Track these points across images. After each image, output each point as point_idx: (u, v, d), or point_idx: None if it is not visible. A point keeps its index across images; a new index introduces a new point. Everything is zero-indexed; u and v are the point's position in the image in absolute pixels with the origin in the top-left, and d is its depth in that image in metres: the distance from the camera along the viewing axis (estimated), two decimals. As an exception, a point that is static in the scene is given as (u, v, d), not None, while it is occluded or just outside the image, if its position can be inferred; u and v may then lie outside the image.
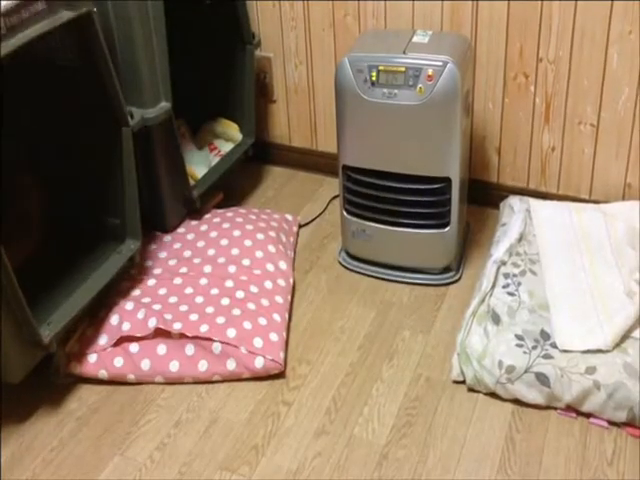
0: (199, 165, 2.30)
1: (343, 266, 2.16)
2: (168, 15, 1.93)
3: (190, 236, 2.15)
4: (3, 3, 1.41)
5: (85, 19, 1.61)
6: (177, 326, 1.80)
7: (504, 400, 1.72)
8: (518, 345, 1.72)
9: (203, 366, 1.78)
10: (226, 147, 2.42)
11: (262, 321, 1.86)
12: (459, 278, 2.09)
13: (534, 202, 2.17)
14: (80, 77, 1.76)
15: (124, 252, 1.90)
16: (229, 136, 2.44)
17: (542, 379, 1.66)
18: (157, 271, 2.03)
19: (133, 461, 1.63)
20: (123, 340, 1.80)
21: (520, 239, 2.04)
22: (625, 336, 1.72)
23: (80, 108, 1.83)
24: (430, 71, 1.80)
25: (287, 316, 1.95)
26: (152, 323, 1.80)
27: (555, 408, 1.69)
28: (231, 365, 1.78)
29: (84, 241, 1.94)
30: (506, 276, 1.92)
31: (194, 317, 1.83)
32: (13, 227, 1.88)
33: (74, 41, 1.70)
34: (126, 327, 1.81)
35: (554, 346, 1.71)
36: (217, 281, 1.96)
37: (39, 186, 1.98)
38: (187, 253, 2.09)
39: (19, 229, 1.93)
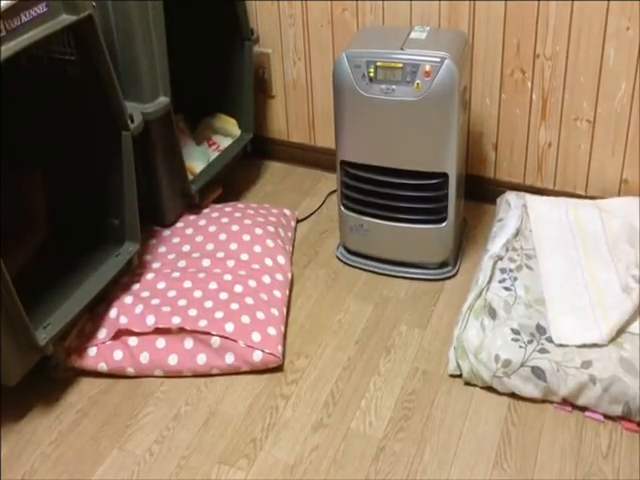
0: (198, 160, 2.30)
1: (341, 261, 2.16)
2: (167, 11, 1.93)
3: (189, 231, 2.16)
4: (3, 3, 1.41)
5: (86, 22, 1.60)
6: (176, 320, 1.81)
7: (500, 394, 1.73)
8: (514, 339, 1.73)
9: (202, 359, 1.79)
10: (225, 142, 2.43)
11: (260, 315, 1.87)
12: (456, 273, 2.10)
13: (530, 198, 2.18)
14: (81, 79, 1.76)
15: (122, 255, 1.90)
16: (228, 131, 2.45)
17: (538, 373, 1.67)
18: (156, 265, 2.04)
19: (132, 454, 1.64)
20: (122, 333, 1.81)
21: (516, 234, 2.05)
22: (621, 331, 1.73)
23: (81, 110, 1.83)
24: (428, 67, 1.80)
25: (285, 310, 1.96)
26: (151, 321, 1.81)
27: (551, 402, 1.70)
28: (229, 359, 1.79)
29: (84, 242, 1.94)
30: (502, 271, 1.93)
31: (193, 312, 1.84)
32: (19, 225, 1.88)
33: (74, 43, 1.70)
34: (123, 320, 1.83)
35: (550, 340, 1.72)
36: (216, 275, 1.97)
37: (43, 185, 1.98)
38: (186, 247, 2.10)
39: (25, 227, 1.94)
